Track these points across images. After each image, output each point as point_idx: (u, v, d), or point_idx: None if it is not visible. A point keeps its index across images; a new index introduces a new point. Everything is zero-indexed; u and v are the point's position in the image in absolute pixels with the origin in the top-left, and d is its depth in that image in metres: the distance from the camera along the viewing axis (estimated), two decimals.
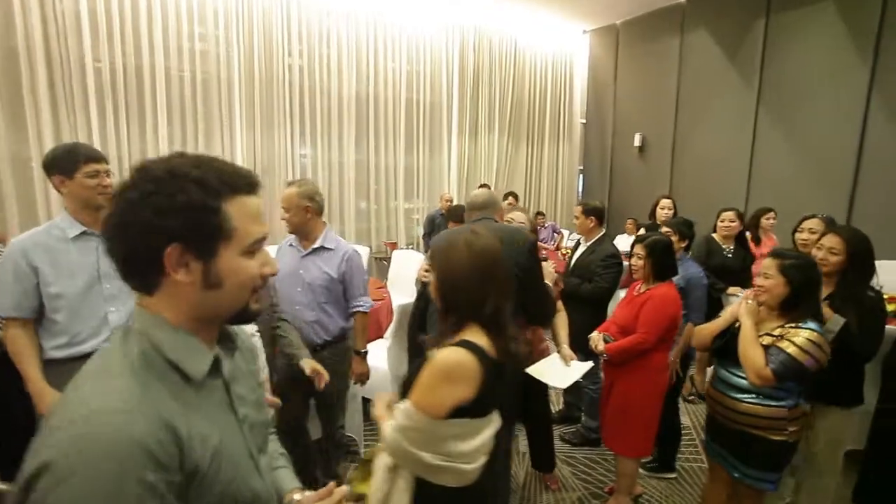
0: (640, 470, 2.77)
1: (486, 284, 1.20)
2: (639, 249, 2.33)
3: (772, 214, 4.04)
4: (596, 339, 2.39)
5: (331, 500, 0.84)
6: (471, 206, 2.26)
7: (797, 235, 2.62)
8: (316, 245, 2.24)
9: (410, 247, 6.01)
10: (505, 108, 6.84)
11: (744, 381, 1.81)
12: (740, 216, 3.47)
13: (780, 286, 1.76)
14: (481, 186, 5.36)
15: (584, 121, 7.69)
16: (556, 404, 3.55)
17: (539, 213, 6.92)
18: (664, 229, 2.60)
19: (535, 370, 2.12)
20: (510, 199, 5.06)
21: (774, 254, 1.85)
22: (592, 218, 3.02)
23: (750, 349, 1.76)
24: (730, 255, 3.45)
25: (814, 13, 4.83)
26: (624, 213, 6.64)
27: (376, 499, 1.21)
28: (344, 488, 0.85)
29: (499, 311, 1.22)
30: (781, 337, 1.73)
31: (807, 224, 2.61)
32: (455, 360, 1.14)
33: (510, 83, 6.83)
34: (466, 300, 1.21)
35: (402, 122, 5.96)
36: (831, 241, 2.02)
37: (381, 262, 5.72)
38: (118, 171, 4.26)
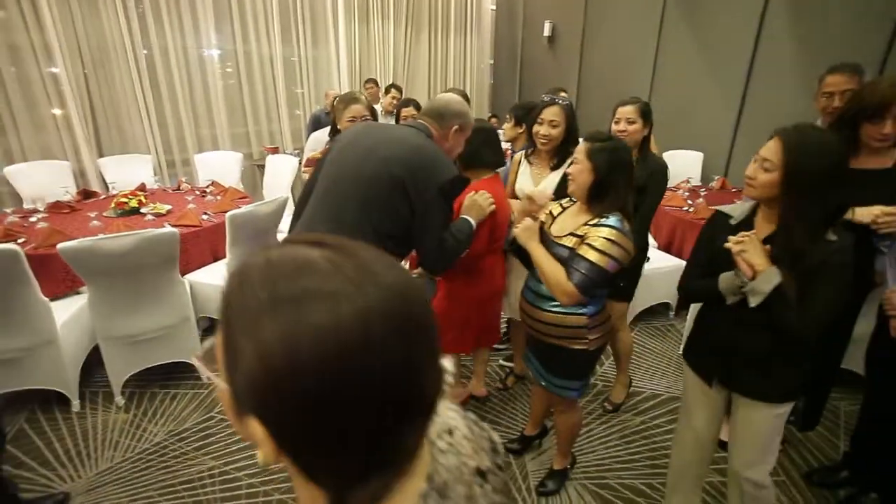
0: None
1: None
2: None
3: None
4: None
5: None
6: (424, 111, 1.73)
7: (613, 127, 2.11)
8: None
9: (297, 151, 5.43)
10: None
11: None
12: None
13: (586, 172, 1.52)
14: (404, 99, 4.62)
15: (493, 7, 6.97)
16: None
17: None
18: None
19: None
20: (392, 91, 4.50)
21: (586, 137, 1.59)
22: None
23: (547, 270, 1.55)
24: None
25: None
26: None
27: None
28: None
29: None
30: (583, 239, 1.51)
31: (622, 112, 2.08)
32: None
33: None
34: None
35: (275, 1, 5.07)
36: (770, 149, 1.25)
37: (260, 170, 5.16)
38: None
